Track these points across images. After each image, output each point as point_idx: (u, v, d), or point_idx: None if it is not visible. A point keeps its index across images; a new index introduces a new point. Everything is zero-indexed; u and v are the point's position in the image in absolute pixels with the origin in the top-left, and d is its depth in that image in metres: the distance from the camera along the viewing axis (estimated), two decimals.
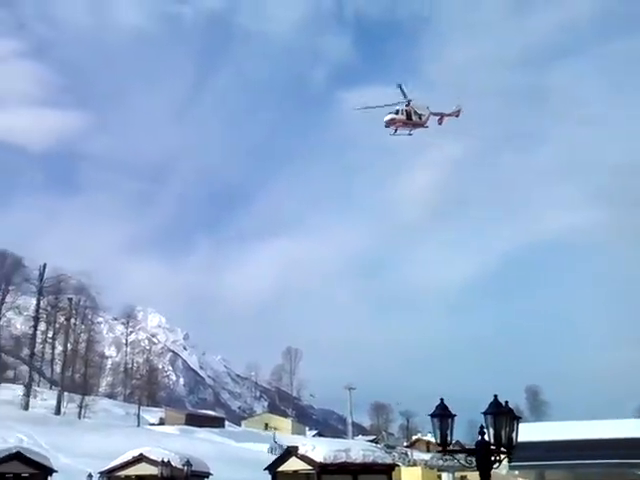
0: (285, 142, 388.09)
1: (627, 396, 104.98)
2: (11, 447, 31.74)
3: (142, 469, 33.51)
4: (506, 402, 10.96)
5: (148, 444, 38.79)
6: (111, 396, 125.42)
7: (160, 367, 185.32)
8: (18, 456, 29.68)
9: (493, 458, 10.94)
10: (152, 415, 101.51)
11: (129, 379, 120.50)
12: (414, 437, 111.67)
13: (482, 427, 10.95)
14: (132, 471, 34.08)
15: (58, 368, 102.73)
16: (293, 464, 30.07)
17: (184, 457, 32.80)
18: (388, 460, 32.24)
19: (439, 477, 50.68)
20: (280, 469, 31.01)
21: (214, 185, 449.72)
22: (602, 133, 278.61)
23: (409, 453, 75.18)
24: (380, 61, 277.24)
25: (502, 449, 10.82)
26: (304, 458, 29.30)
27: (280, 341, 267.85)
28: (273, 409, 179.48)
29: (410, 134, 54.12)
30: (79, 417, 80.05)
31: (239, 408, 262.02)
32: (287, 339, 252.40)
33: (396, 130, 53.38)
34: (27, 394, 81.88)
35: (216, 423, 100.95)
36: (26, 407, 79.43)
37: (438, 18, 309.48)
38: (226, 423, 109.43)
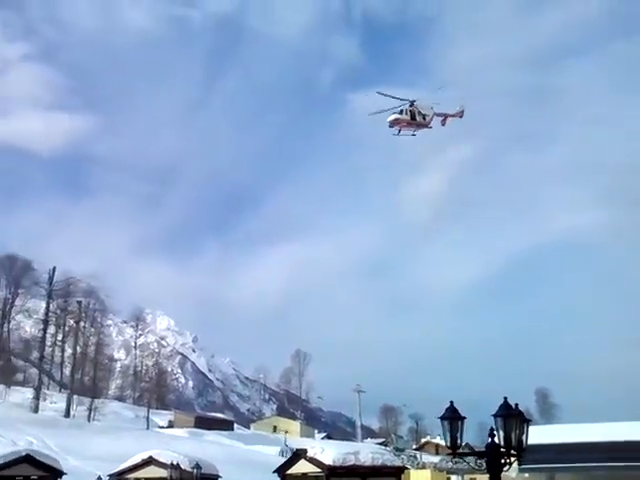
0: (293, 144, 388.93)
1: (639, 398, 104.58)
2: (21, 450, 31.80)
3: (151, 472, 33.57)
4: (516, 404, 10.93)
5: (157, 447, 38.94)
6: (120, 399, 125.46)
7: (169, 370, 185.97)
8: (28, 459, 29.71)
9: (503, 461, 10.90)
10: (161, 418, 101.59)
11: (138, 382, 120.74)
12: (423, 440, 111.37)
13: (492, 429, 10.91)
14: (141, 474, 34.14)
15: (67, 371, 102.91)
16: (302, 467, 30.05)
17: (193, 460, 32.86)
18: (397, 463, 32.22)
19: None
20: (289, 472, 31.00)
21: (222, 187, 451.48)
22: (608, 133, 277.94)
23: (418, 456, 75.01)
24: (387, 62, 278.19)
25: (512, 452, 10.78)
26: (313, 461, 29.28)
27: (289, 344, 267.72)
28: (282, 412, 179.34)
29: (414, 134, 54.05)
30: (88, 420, 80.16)
31: (248, 411, 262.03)
32: (296, 342, 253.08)
33: (400, 130, 53.35)
34: (37, 397, 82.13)
35: (225, 426, 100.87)
36: (36, 410, 79.64)
37: (445, 19, 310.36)
38: (235, 426, 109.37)
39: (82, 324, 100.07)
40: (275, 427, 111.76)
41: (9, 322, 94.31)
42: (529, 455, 12.07)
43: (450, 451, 11.54)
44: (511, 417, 10.74)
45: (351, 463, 28.58)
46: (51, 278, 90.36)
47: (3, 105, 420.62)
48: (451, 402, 11.42)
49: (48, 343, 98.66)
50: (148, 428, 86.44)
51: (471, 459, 11.74)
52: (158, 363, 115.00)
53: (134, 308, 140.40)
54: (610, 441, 32.82)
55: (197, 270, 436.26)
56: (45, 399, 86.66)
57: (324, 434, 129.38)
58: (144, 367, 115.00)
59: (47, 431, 61.32)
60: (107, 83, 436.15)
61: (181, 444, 58.24)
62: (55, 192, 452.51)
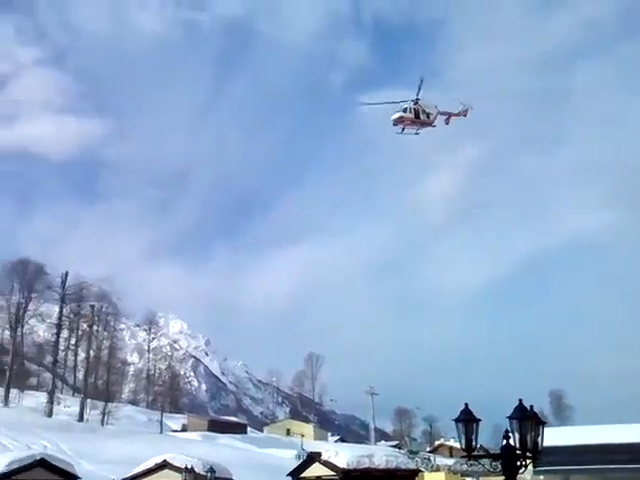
0: (303, 147, 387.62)
1: None
2: (35, 454, 31.88)
3: (166, 476, 33.58)
4: (531, 406, 10.86)
5: (171, 450, 38.92)
6: (134, 403, 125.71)
7: (182, 373, 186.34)
8: (42, 463, 29.83)
9: (519, 463, 10.83)
10: (175, 421, 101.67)
11: (151, 385, 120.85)
12: (437, 442, 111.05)
13: (507, 431, 10.85)
14: (155, 478, 34.17)
15: (81, 375, 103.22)
16: (316, 470, 30.01)
17: (207, 463, 32.87)
18: (411, 465, 32.17)
19: None
20: (303, 475, 30.99)
21: (232, 191, 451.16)
22: (617, 134, 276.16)
23: (432, 458, 74.66)
24: (397, 64, 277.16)
25: (528, 454, 10.71)
26: (327, 464, 29.24)
27: (300, 346, 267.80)
28: (295, 415, 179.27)
29: (417, 133, 53.91)
30: (102, 424, 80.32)
31: (261, 414, 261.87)
32: (307, 344, 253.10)
33: (404, 129, 53.22)
34: (50, 401, 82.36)
35: (238, 429, 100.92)
36: (50, 414, 79.87)
37: (453, 21, 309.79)
38: (248, 429, 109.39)
39: (95, 328, 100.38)
40: (288, 430, 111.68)
41: (22, 326, 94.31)
42: (544, 457, 12.02)
43: (464, 453, 11.49)
44: (526, 419, 10.68)
45: (365, 466, 28.53)
46: (64, 282, 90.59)
47: (15, 109, 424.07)
48: (466, 404, 11.36)
49: (61, 347, 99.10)
50: (161, 432, 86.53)
51: (486, 462, 11.67)
52: (171, 366, 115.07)
53: (147, 312, 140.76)
54: (625, 443, 32.66)
55: (208, 273, 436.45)
56: (59, 403, 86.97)
57: (337, 437, 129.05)
58: (157, 370, 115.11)
59: (61, 435, 61.43)
60: (117, 87, 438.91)
61: (195, 448, 58.21)
62: (66, 196, 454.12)
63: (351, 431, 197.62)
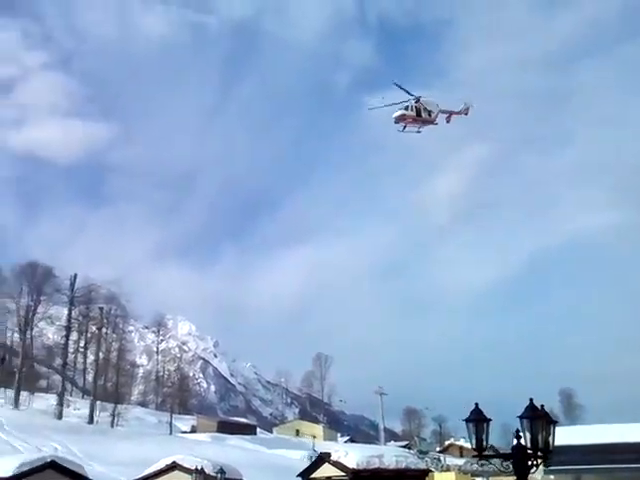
0: (309, 148, 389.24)
1: None
2: (46, 456, 31.87)
3: (176, 477, 33.58)
4: (542, 405, 10.81)
5: (181, 452, 38.92)
6: (143, 404, 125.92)
7: (191, 375, 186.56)
8: (53, 465, 29.82)
9: (530, 463, 10.79)
10: (184, 423, 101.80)
11: (161, 387, 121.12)
12: (447, 442, 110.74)
13: (518, 431, 10.80)
14: (166, 479, 34.17)
15: (90, 377, 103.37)
16: (326, 470, 29.99)
17: (217, 465, 32.85)
18: (421, 465, 32.11)
19: None
20: (313, 475, 30.97)
21: (239, 192, 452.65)
22: (619, 134, 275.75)
23: (442, 458, 74.44)
24: (402, 64, 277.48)
25: (539, 453, 10.66)
26: (337, 464, 29.21)
27: (308, 347, 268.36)
28: (304, 415, 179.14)
29: (419, 131, 53.90)
30: (112, 426, 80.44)
31: (270, 415, 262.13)
32: (315, 344, 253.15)
33: (405, 127, 53.19)
34: (60, 403, 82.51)
35: (248, 430, 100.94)
36: (60, 416, 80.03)
37: (458, 21, 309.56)
38: (258, 430, 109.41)
39: (104, 330, 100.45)
40: (298, 431, 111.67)
41: (32, 329, 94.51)
42: (555, 456, 11.95)
43: (475, 453, 11.45)
44: (537, 418, 10.63)
45: (375, 466, 28.49)
46: (72, 285, 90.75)
47: (22, 113, 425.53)
48: (476, 404, 11.33)
49: (71, 350, 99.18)
50: (171, 433, 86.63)
51: (497, 461, 11.63)
52: (180, 368, 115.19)
53: (155, 314, 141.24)
54: (637, 442, 32.46)
55: (216, 275, 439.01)
56: (69, 405, 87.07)
57: (347, 437, 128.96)
58: (166, 372, 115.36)
59: (71, 437, 61.52)
60: (123, 90, 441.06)
61: (204, 449, 58.22)
62: (73, 199, 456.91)
63: (360, 431, 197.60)
